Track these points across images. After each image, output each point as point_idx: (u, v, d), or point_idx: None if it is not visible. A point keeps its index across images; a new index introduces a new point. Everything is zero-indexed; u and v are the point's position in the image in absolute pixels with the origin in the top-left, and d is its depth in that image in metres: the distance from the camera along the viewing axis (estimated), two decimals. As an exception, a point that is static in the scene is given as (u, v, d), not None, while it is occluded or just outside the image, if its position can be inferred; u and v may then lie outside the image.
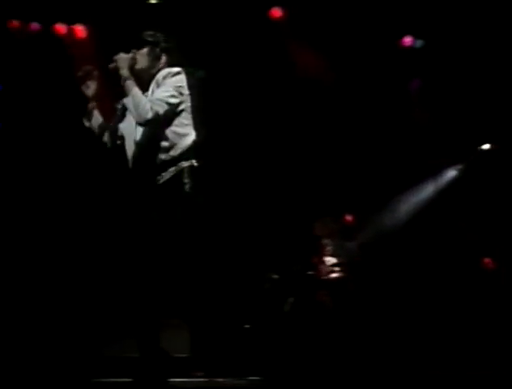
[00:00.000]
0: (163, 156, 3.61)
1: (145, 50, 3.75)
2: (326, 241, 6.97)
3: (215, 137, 7.50)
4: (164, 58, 3.77)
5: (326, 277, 6.87)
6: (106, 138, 3.84)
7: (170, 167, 3.60)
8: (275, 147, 7.84)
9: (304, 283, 6.91)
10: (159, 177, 3.61)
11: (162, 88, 3.63)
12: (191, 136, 3.68)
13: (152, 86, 3.69)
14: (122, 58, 3.66)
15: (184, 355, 6.23)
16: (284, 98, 7.70)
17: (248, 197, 7.72)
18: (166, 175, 3.60)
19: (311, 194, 7.63)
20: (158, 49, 3.77)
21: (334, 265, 6.88)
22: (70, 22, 7.38)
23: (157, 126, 3.62)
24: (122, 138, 3.82)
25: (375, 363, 6.18)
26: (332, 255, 6.92)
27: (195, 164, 3.64)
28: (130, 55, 3.71)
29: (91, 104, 3.79)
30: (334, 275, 6.86)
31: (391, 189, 7.57)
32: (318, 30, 7.47)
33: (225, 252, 7.16)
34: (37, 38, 7.51)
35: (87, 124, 3.82)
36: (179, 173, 3.59)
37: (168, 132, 3.64)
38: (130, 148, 3.77)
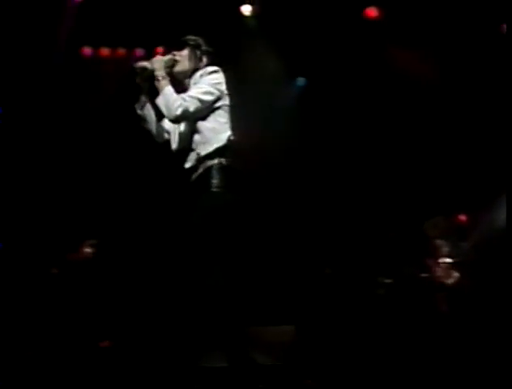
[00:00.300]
0: (198, 151, 3.65)
1: (186, 52, 3.80)
2: (438, 241, 6.76)
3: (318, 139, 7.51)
4: (204, 60, 3.81)
5: (441, 279, 6.66)
6: (155, 131, 3.87)
7: (202, 164, 3.62)
8: (384, 148, 7.71)
9: (418, 286, 6.73)
10: (193, 174, 3.66)
11: (197, 85, 3.67)
12: (226, 134, 3.68)
13: (191, 86, 3.73)
14: (158, 60, 3.71)
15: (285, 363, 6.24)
16: (387, 97, 7.55)
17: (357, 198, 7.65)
18: (197, 172, 3.65)
19: (421, 193, 7.44)
20: (199, 52, 3.80)
21: (448, 266, 6.66)
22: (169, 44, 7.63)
23: (189, 122, 3.66)
24: (169, 133, 3.88)
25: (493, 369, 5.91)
26: (446, 256, 6.71)
27: (224, 162, 3.62)
28: (168, 57, 3.76)
29: (145, 96, 3.80)
30: (449, 277, 6.64)
31: (505, 184, 7.21)
32: (419, 24, 7.29)
33: (332, 257, 7.14)
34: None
35: (138, 112, 3.85)
36: (207, 171, 3.61)
37: (203, 128, 3.66)
38: (174, 143, 3.82)
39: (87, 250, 6.92)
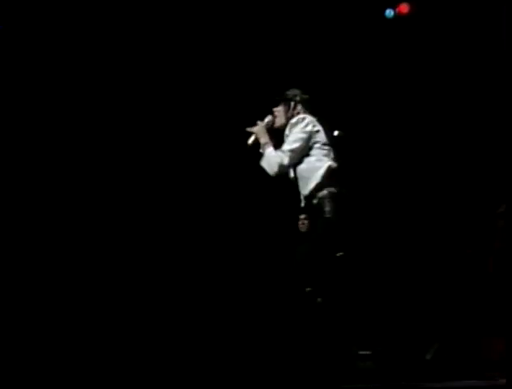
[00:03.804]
0: (305, 191, 4.24)
1: (280, 107, 4.41)
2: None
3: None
4: (298, 107, 4.39)
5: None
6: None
7: (313, 199, 4.20)
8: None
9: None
10: (308, 208, 4.29)
11: (288, 139, 4.27)
12: (322, 168, 4.20)
13: (286, 134, 4.32)
14: (259, 129, 4.31)
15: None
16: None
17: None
18: (311, 205, 4.24)
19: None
20: (292, 103, 4.39)
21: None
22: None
23: (292, 170, 4.28)
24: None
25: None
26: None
27: (333, 190, 4.16)
28: (267, 119, 4.39)
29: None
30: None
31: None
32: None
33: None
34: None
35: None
36: (320, 203, 4.17)
37: (300, 171, 4.27)
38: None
39: None
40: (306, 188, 4.23)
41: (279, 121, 4.40)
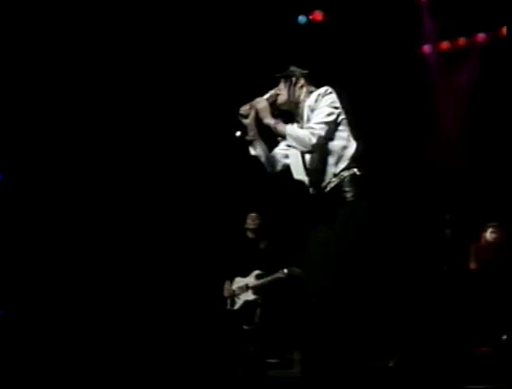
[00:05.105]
0: (332, 170, 3.79)
1: (281, 85, 3.96)
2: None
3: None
4: (301, 81, 3.95)
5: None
6: (267, 163, 4.02)
7: (334, 178, 3.79)
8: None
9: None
10: (325, 190, 3.82)
11: (317, 111, 3.80)
12: (352, 147, 3.83)
13: (306, 113, 3.86)
14: (261, 101, 3.85)
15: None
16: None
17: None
18: (330, 185, 3.80)
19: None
20: (293, 78, 3.95)
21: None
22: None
23: (323, 146, 3.80)
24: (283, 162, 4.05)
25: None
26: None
27: (357, 172, 3.79)
28: (268, 94, 3.92)
29: (252, 133, 3.93)
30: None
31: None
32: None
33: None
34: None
35: (252, 153, 4.01)
36: (341, 183, 3.76)
37: (332, 147, 3.80)
38: (296, 171, 3.98)
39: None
40: (338, 166, 3.78)
41: (283, 98, 3.93)
